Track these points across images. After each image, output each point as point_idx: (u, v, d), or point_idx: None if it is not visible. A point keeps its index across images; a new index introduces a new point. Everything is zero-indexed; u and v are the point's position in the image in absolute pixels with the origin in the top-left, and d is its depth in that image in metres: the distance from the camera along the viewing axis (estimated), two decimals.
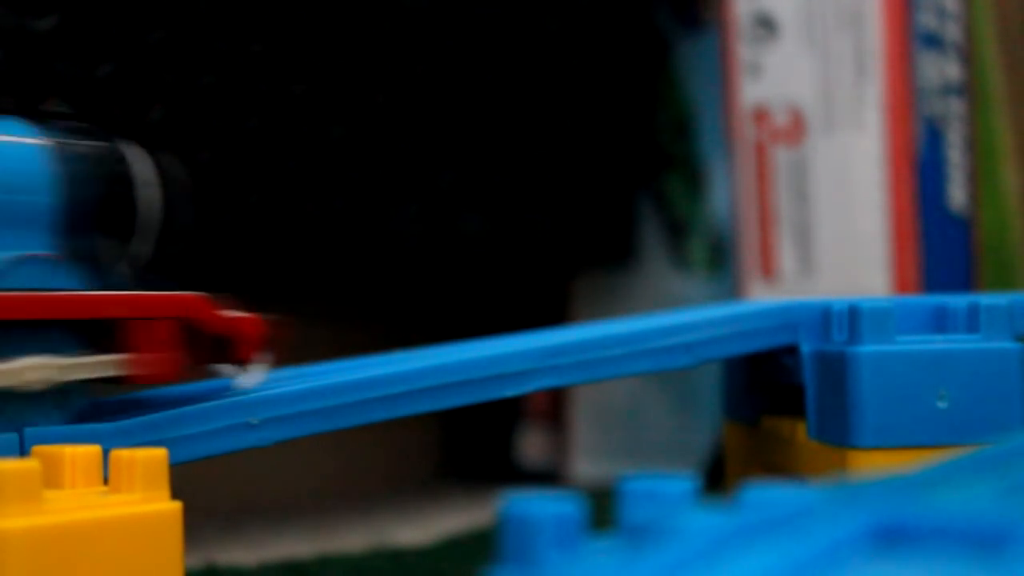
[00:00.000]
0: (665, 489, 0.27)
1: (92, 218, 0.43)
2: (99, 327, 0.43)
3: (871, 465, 0.47)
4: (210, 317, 0.44)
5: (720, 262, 0.76)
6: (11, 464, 0.34)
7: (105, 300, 0.42)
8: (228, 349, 0.44)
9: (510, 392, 0.49)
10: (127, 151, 0.44)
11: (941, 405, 0.48)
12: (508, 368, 0.49)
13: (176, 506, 0.38)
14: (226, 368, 0.45)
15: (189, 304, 0.44)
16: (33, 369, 0.41)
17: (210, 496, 0.66)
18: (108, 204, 0.44)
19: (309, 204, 0.63)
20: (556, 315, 0.80)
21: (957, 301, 0.50)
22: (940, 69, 0.69)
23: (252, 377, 0.45)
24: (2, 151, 0.42)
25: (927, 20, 0.68)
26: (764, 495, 0.27)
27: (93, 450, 0.38)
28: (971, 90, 0.70)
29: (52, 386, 0.41)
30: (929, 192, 0.68)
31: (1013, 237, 0.73)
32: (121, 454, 0.37)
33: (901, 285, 0.67)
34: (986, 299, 0.49)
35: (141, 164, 0.44)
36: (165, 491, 0.38)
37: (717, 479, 0.60)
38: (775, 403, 0.54)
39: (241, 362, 0.45)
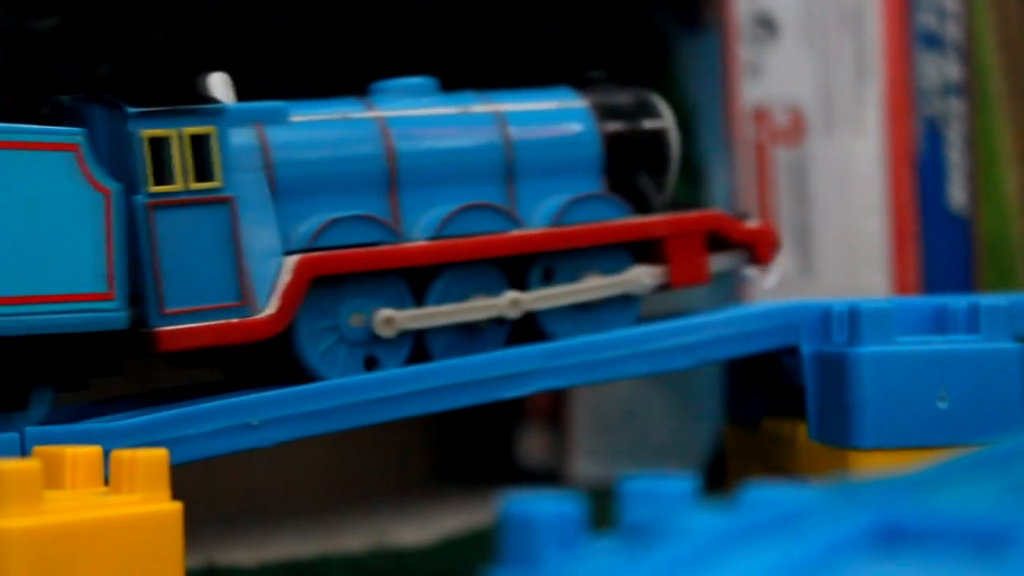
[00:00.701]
0: (665, 489, 0.27)
1: (630, 160, 0.53)
2: (643, 247, 0.52)
3: (872, 466, 0.47)
4: (734, 228, 0.53)
5: None
6: (11, 464, 0.34)
7: (650, 224, 0.52)
8: (749, 254, 0.54)
9: (510, 393, 0.49)
10: (655, 100, 0.54)
11: (941, 406, 0.48)
12: (508, 369, 0.49)
13: (176, 506, 0.38)
14: (750, 270, 0.55)
15: (714, 220, 0.53)
16: (645, 275, 0.52)
17: (210, 496, 0.66)
18: (645, 147, 0.53)
19: None
20: None
21: (957, 301, 0.50)
22: (940, 69, 0.69)
23: (771, 278, 0.55)
24: (559, 114, 0.53)
25: (927, 20, 0.68)
26: (764, 495, 0.27)
27: (94, 450, 0.38)
28: (971, 90, 0.70)
29: (648, 290, 0.52)
30: (929, 192, 0.68)
31: (1013, 237, 0.73)
32: (122, 454, 0.37)
33: (901, 285, 0.67)
34: (986, 299, 0.49)
35: (666, 110, 0.54)
36: (166, 491, 0.38)
37: (717, 479, 0.60)
38: (775, 404, 0.54)
39: (762, 264, 0.54)
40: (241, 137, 0.47)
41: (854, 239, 0.68)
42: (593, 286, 0.51)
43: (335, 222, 0.47)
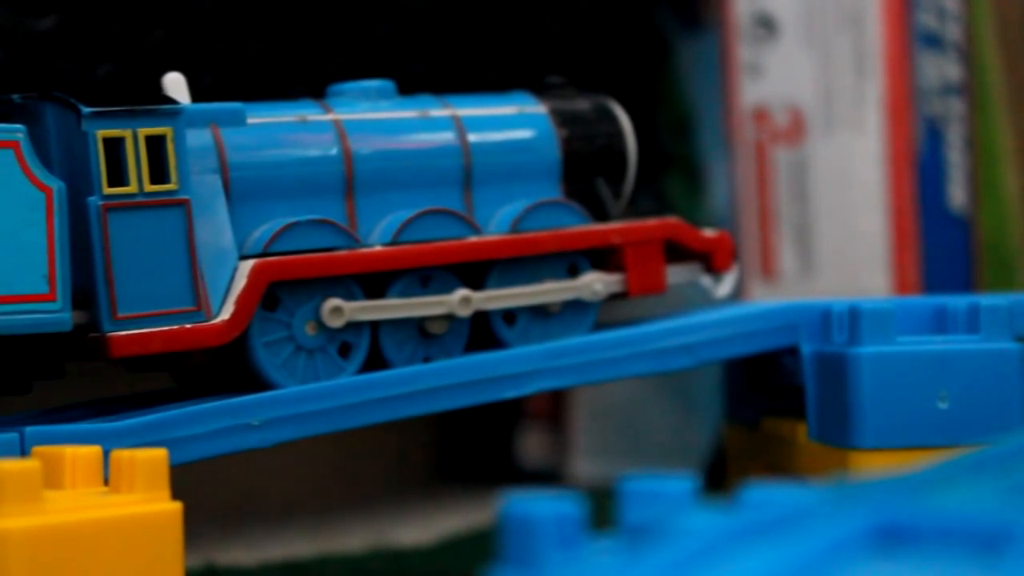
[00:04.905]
0: (665, 489, 0.27)
1: (589, 166, 0.53)
2: (600, 254, 0.52)
3: (872, 466, 0.47)
4: (691, 237, 0.53)
5: None
6: (11, 464, 0.34)
7: (608, 231, 0.52)
8: (706, 262, 0.54)
9: (510, 394, 0.49)
10: (613, 107, 0.54)
11: (942, 406, 0.48)
12: (508, 370, 0.49)
13: (176, 506, 0.38)
14: (705, 279, 0.54)
15: (671, 228, 0.53)
16: (597, 281, 0.52)
17: (210, 496, 0.66)
18: (603, 154, 0.54)
19: None
20: None
21: (957, 301, 0.50)
22: (940, 69, 0.69)
23: (726, 285, 0.54)
24: (518, 120, 0.52)
25: (927, 20, 0.68)
26: (764, 495, 0.27)
27: (93, 450, 0.38)
28: (971, 90, 0.70)
29: (599, 297, 0.52)
30: (929, 192, 0.68)
31: (1013, 237, 0.73)
32: (121, 454, 0.37)
33: (901, 285, 0.67)
34: (986, 299, 0.49)
35: (624, 117, 0.54)
36: (165, 491, 0.38)
37: (717, 479, 0.60)
38: (775, 404, 0.54)
39: (719, 273, 0.54)
40: (197, 139, 0.46)
41: (854, 239, 0.68)
42: (543, 289, 0.51)
43: (291, 226, 0.47)
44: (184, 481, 0.41)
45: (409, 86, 0.68)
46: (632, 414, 0.76)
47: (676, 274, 0.54)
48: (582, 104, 0.54)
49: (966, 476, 0.31)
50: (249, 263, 0.46)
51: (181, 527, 0.38)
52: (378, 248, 0.48)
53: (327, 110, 0.50)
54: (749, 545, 0.25)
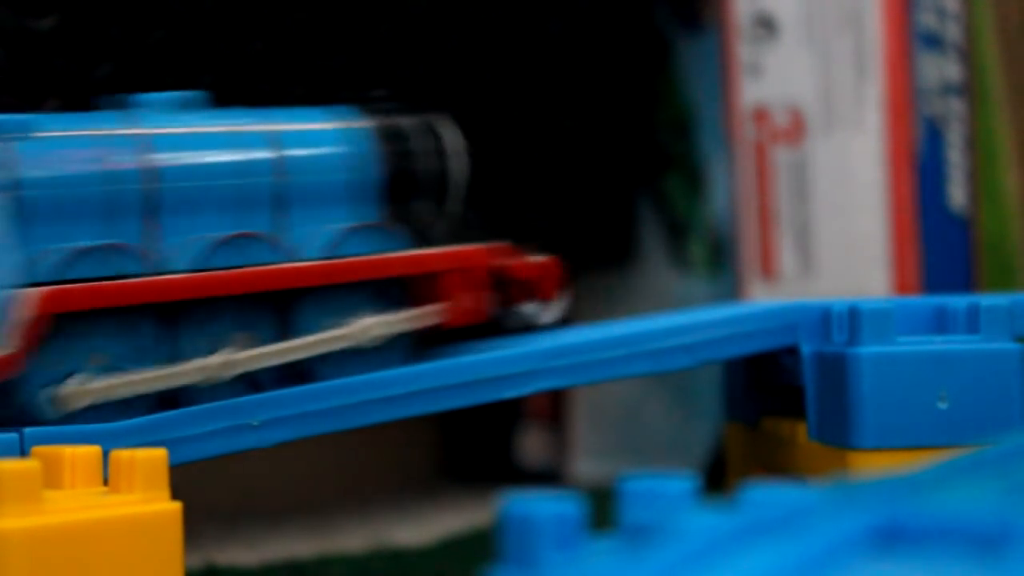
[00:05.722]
0: (665, 489, 0.27)
1: (411, 188, 0.50)
2: (418, 282, 0.49)
3: (871, 465, 0.47)
4: (515, 263, 0.50)
5: (720, 262, 0.76)
6: (11, 464, 0.34)
7: (426, 258, 0.49)
8: (531, 291, 0.51)
9: (509, 394, 0.49)
10: (438, 125, 0.51)
11: (942, 406, 0.48)
12: (508, 370, 0.49)
13: (176, 506, 0.38)
14: (529, 307, 0.51)
15: (496, 253, 0.50)
16: (377, 326, 0.47)
17: (210, 496, 0.66)
18: (424, 174, 0.50)
19: None
20: None
21: (957, 302, 0.50)
22: (940, 69, 0.69)
23: (551, 314, 0.51)
24: (338, 136, 0.49)
25: (927, 20, 0.68)
26: (764, 495, 0.27)
27: (93, 450, 0.38)
28: (971, 90, 0.70)
29: (383, 340, 0.48)
30: (929, 192, 0.68)
31: (1013, 237, 0.73)
32: (121, 454, 0.37)
33: (901, 285, 0.67)
34: (986, 300, 0.49)
35: (450, 135, 0.51)
36: (165, 491, 0.38)
37: (717, 479, 0.60)
38: (775, 404, 0.54)
39: (544, 301, 0.51)
40: None
41: (854, 239, 0.68)
42: (309, 342, 0.47)
43: (83, 252, 0.43)
44: (184, 481, 0.41)
45: (409, 87, 0.68)
46: (632, 414, 0.76)
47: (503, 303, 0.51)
48: (408, 121, 0.50)
49: (966, 476, 0.31)
50: (34, 292, 0.42)
51: (181, 527, 0.38)
52: (178, 276, 0.45)
53: (130, 123, 0.46)
54: (749, 545, 0.25)
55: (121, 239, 0.44)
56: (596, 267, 0.81)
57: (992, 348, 0.48)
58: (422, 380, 0.48)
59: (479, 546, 0.60)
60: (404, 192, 0.50)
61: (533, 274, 0.51)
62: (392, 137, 0.50)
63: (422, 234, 0.50)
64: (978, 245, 0.70)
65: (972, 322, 0.49)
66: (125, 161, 0.45)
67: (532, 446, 0.79)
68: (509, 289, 0.51)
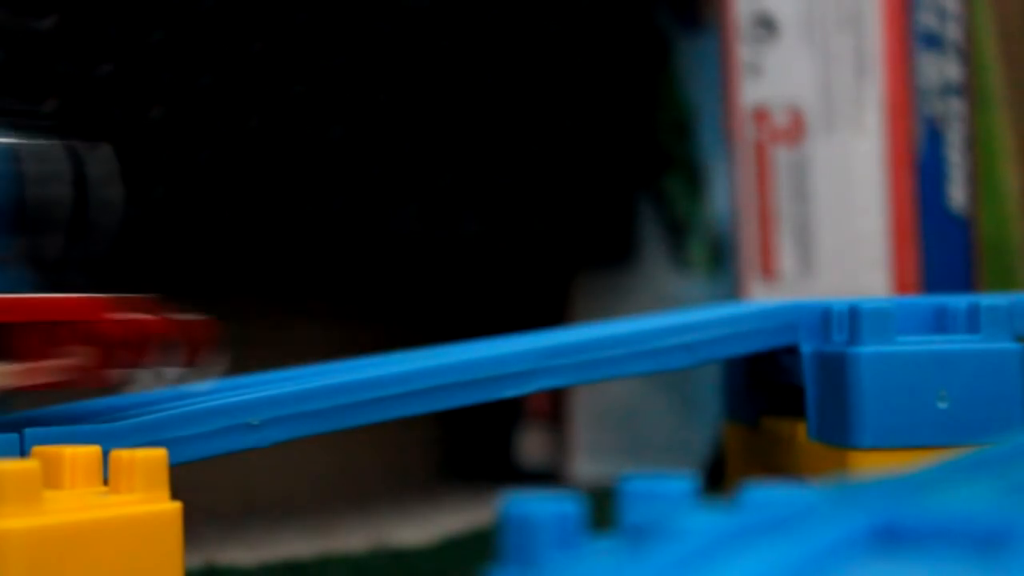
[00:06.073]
0: (665, 489, 0.27)
1: (47, 221, 0.41)
2: (16, 332, 0.40)
3: (871, 465, 0.47)
4: (105, 320, 0.41)
5: (720, 262, 0.76)
6: (11, 464, 0.34)
7: (16, 304, 0.39)
8: (169, 351, 0.42)
9: (510, 393, 0.49)
10: (83, 150, 0.42)
11: (941, 406, 0.48)
12: (508, 369, 0.49)
13: (176, 506, 0.38)
14: (171, 371, 0.43)
15: (87, 306, 0.40)
16: None
17: (210, 496, 0.66)
18: (54, 204, 0.42)
19: (309, 203, 0.63)
20: (556, 315, 0.80)
21: (957, 301, 0.50)
22: (940, 69, 0.69)
23: (198, 375, 0.43)
24: None
25: (927, 20, 0.68)
26: (764, 495, 0.27)
27: (93, 450, 0.38)
28: (971, 90, 0.70)
29: None
30: (929, 192, 0.68)
31: (1013, 237, 0.73)
32: (121, 454, 0.37)
33: (901, 285, 0.67)
34: (986, 299, 0.49)
35: (99, 164, 0.42)
36: (165, 491, 0.38)
37: (717, 479, 0.60)
38: (775, 403, 0.54)
39: (189, 364, 0.43)
40: None
41: (854, 239, 0.68)
42: None
43: None
44: (184, 481, 0.41)
45: (409, 86, 0.69)
46: (632, 414, 0.76)
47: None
48: (52, 146, 0.42)
49: (966, 476, 0.31)
50: None
51: (181, 527, 0.38)
52: None
53: None
54: (749, 545, 0.25)
55: None
56: (596, 266, 0.81)
57: (992, 348, 0.48)
58: (422, 380, 0.48)
59: (479, 546, 0.60)
60: (36, 225, 0.41)
61: (171, 333, 0.42)
62: (30, 161, 0.42)
63: (54, 276, 0.42)
64: (978, 245, 0.70)
65: (972, 322, 0.49)
66: None
67: (532, 446, 0.79)
68: (138, 348, 0.42)
